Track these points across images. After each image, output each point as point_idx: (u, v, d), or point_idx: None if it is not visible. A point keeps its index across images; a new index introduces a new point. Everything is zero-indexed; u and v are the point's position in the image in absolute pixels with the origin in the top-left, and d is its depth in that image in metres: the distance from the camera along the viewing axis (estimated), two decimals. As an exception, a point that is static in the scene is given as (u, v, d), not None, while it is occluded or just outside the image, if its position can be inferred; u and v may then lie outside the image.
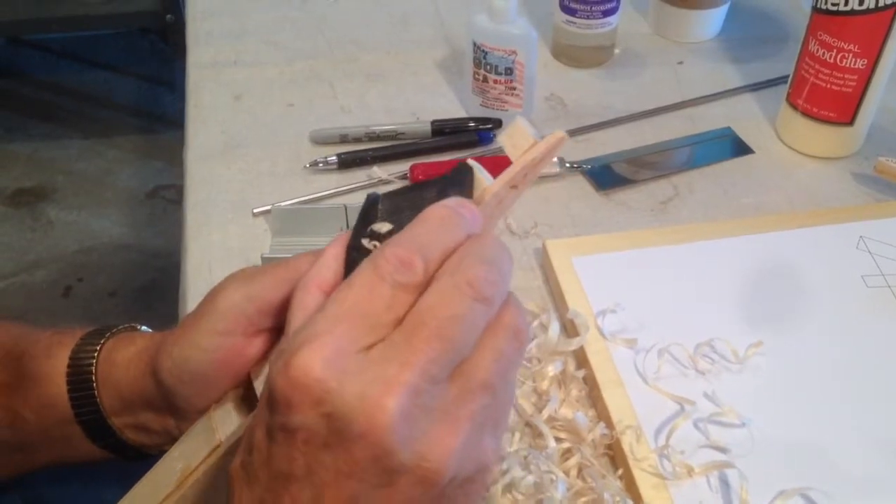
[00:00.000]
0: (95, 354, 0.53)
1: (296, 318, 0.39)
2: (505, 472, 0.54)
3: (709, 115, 0.86)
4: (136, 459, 0.55)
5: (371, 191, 0.44)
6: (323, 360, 0.34)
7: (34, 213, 2.15)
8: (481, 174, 0.43)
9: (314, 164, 0.79)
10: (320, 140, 0.82)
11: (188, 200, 0.77)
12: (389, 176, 0.77)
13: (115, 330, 0.55)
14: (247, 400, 0.48)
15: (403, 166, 0.79)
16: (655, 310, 0.65)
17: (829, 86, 0.77)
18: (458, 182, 0.42)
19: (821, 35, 0.75)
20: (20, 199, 2.18)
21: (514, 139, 0.44)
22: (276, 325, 0.47)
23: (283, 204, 0.74)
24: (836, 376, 0.61)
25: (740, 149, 0.83)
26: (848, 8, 0.72)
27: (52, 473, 0.59)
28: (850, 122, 0.79)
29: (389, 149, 0.81)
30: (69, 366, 0.52)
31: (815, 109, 0.79)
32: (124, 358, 0.52)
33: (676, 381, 0.61)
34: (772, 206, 0.77)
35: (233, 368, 0.47)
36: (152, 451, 0.54)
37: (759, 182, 0.79)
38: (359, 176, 0.79)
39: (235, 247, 0.72)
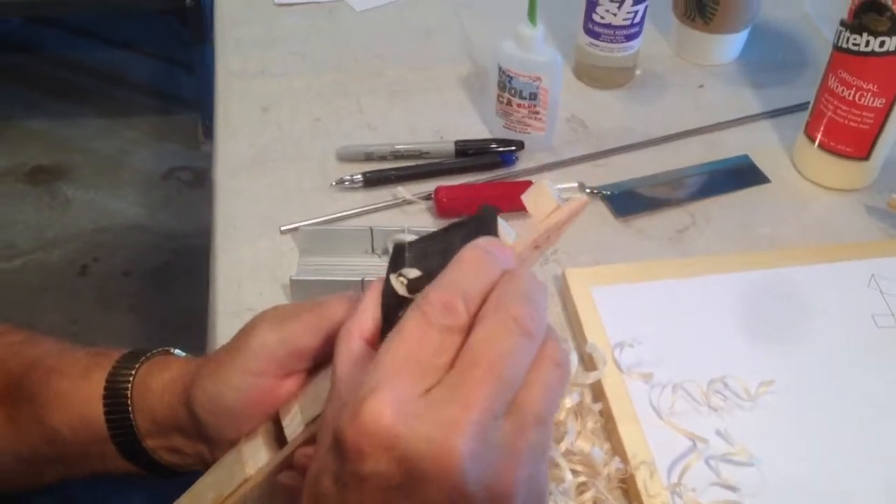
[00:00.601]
0: (131, 378, 0.55)
1: (342, 366, 0.41)
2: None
3: (727, 142, 0.88)
4: (168, 476, 0.58)
5: (398, 233, 0.46)
6: (389, 408, 0.35)
7: (52, 191, 2.17)
8: (503, 228, 0.45)
9: (340, 182, 0.81)
10: (346, 157, 0.84)
11: (218, 212, 0.79)
12: (413, 196, 0.79)
13: (149, 354, 0.57)
14: (275, 435, 0.50)
15: (427, 186, 0.81)
16: (671, 343, 0.67)
17: (846, 122, 0.78)
18: (483, 225, 0.44)
19: (841, 73, 0.77)
20: (38, 177, 2.20)
21: (538, 200, 0.45)
22: (306, 368, 0.50)
23: (309, 223, 0.77)
24: (846, 417, 0.63)
25: (757, 178, 0.84)
26: (869, 49, 0.74)
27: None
28: (866, 157, 0.80)
29: (414, 168, 0.82)
30: (105, 388, 0.55)
31: (832, 143, 0.80)
32: (159, 384, 0.54)
33: (690, 417, 0.63)
34: (786, 238, 0.78)
35: (263, 406, 0.49)
36: (185, 471, 0.57)
37: (774, 213, 0.81)
38: (384, 195, 0.81)
39: (264, 263, 0.74)
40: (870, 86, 0.75)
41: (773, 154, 0.87)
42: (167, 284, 1.97)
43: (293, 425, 0.49)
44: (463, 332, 0.38)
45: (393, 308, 0.43)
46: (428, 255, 0.45)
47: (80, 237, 2.07)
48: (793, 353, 0.67)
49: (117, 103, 2.41)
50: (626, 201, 0.81)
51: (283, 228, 0.77)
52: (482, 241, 0.41)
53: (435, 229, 0.47)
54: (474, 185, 0.81)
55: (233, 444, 0.51)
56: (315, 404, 0.48)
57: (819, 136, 0.81)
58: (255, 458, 0.49)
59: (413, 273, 0.44)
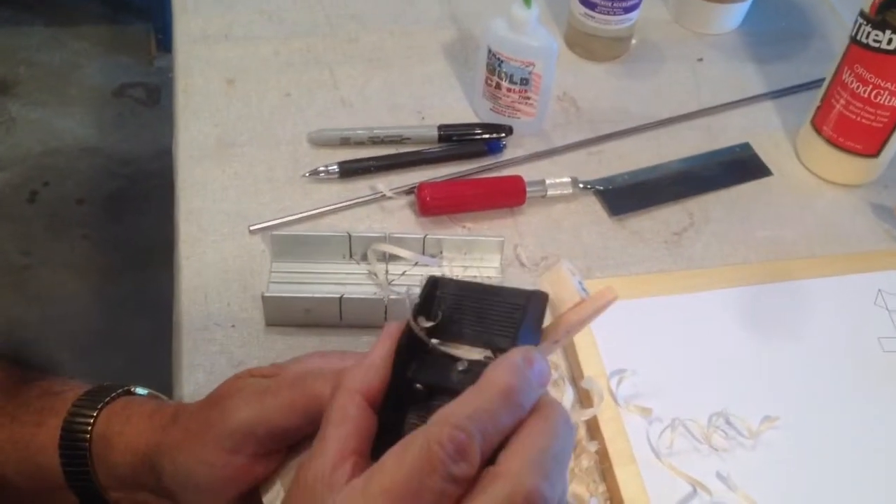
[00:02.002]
0: (89, 429, 0.50)
1: (333, 425, 0.38)
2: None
3: (727, 126, 0.83)
4: None
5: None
6: None
7: (-5, 107, 2.05)
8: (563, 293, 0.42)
9: (315, 172, 0.74)
10: (320, 142, 0.77)
11: (180, 209, 0.72)
12: (393, 192, 0.73)
13: (109, 398, 0.51)
14: None
15: (408, 177, 0.75)
16: (669, 369, 0.64)
17: (859, 119, 0.73)
18: (532, 306, 0.40)
19: (857, 68, 0.71)
20: (-21, 92, 2.08)
21: (558, 287, 0.42)
22: (287, 447, 0.46)
23: (281, 221, 0.71)
24: (852, 453, 0.61)
25: (758, 170, 0.79)
26: (891, 48, 0.68)
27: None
28: (876, 155, 0.76)
29: (394, 157, 0.76)
30: (62, 437, 0.50)
31: (840, 139, 0.76)
32: (121, 442, 0.49)
33: (689, 457, 0.60)
34: (788, 241, 0.74)
35: (238, 483, 0.46)
36: None
37: (776, 212, 0.76)
38: (361, 187, 0.75)
39: (232, 269, 0.69)
40: (888, 84, 0.70)
41: (776, 140, 0.82)
42: (122, 214, 1.89)
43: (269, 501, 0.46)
44: (467, 484, 0.34)
45: (405, 358, 0.39)
46: (462, 310, 0.41)
47: (28, 160, 1.96)
48: (795, 385, 0.64)
49: (63, 10, 2.25)
50: (621, 198, 0.76)
51: (252, 228, 0.71)
52: (519, 357, 0.37)
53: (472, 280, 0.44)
54: (459, 182, 0.75)
55: None
56: (288, 478, 0.45)
57: (827, 131, 0.76)
58: None
59: (426, 323, 0.40)
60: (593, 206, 0.75)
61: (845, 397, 0.64)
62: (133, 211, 1.90)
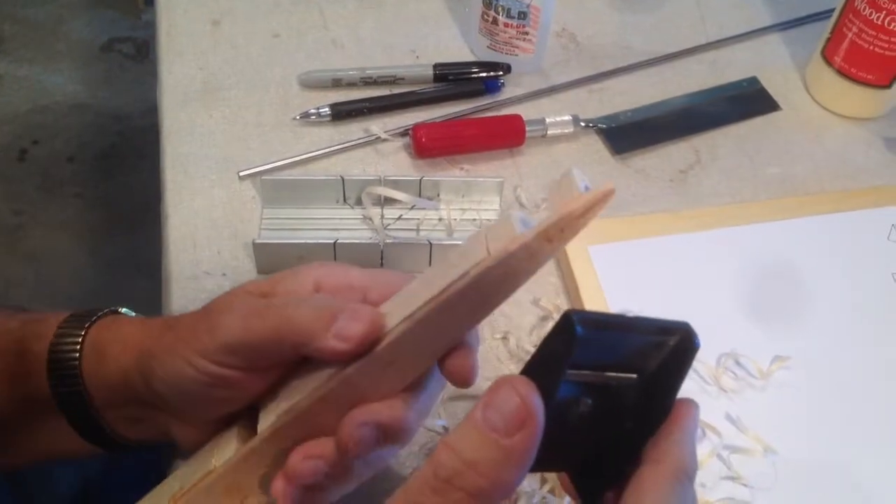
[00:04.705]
0: (78, 346, 0.47)
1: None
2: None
3: (734, 60, 0.80)
4: (127, 451, 0.51)
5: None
6: None
7: (-21, 65, 2.01)
8: (515, 223, 0.37)
9: (305, 115, 0.71)
10: (311, 84, 0.74)
11: (166, 155, 0.70)
12: (388, 134, 0.71)
13: (95, 317, 0.49)
14: (251, 428, 0.45)
15: (403, 118, 0.72)
16: (675, 311, 0.61)
17: (872, 48, 0.70)
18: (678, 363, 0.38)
19: (871, -6, 0.68)
20: (-37, 50, 2.03)
21: (563, 192, 0.38)
22: (275, 367, 0.44)
23: (271, 166, 0.68)
24: (865, 391, 0.59)
25: (766, 105, 0.76)
26: (907, -30, 0.65)
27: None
28: (889, 86, 0.73)
29: (387, 98, 0.73)
30: (50, 359, 0.47)
31: (852, 70, 0.73)
32: (114, 348, 0.47)
33: (698, 399, 0.56)
34: (798, 178, 0.72)
35: (227, 394, 0.44)
36: (147, 444, 0.51)
37: (785, 147, 0.74)
38: (354, 130, 0.72)
39: (222, 216, 0.66)
40: (903, 10, 0.67)
41: (784, 74, 0.79)
42: (113, 171, 1.86)
43: (266, 418, 0.44)
44: None
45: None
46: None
47: (16, 118, 1.92)
48: (806, 323, 0.62)
49: (47, -37, 2.20)
50: (625, 136, 0.73)
51: (241, 174, 0.68)
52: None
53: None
54: (455, 123, 0.72)
55: (198, 419, 0.46)
56: (287, 398, 0.43)
57: (838, 61, 0.73)
58: (225, 451, 0.45)
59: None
60: (595, 144, 0.73)
61: (858, 335, 0.61)
62: (125, 168, 1.87)
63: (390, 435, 0.41)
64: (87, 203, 1.81)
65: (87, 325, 0.48)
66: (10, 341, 0.49)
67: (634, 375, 0.38)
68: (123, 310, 0.52)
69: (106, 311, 0.50)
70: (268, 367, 0.44)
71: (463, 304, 0.38)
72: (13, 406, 0.49)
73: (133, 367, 0.46)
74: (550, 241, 0.37)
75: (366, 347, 0.40)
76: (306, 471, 0.42)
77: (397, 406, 0.41)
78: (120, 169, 1.87)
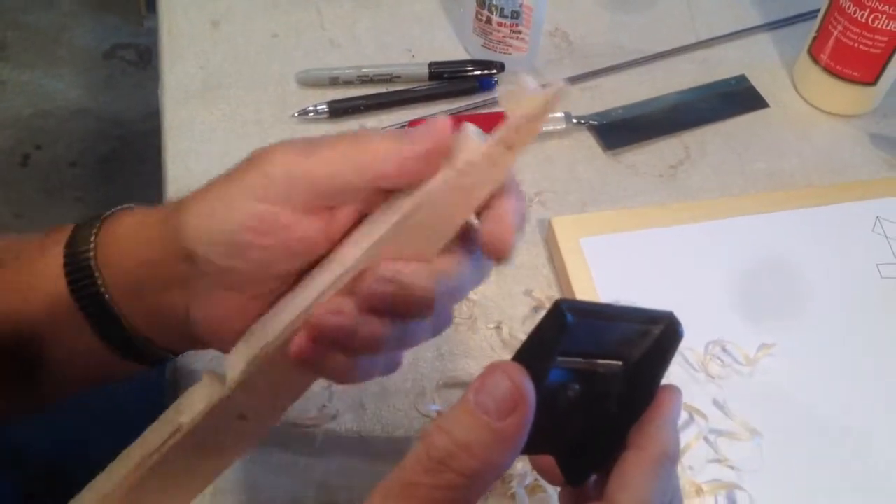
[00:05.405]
0: (93, 236, 0.44)
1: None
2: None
3: (724, 59, 0.81)
4: (153, 364, 0.48)
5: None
6: None
7: (-17, 71, 2.03)
8: (476, 138, 0.38)
9: (303, 112, 0.73)
10: (308, 82, 0.76)
11: (167, 150, 0.71)
12: (384, 130, 0.72)
13: (112, 211, 0.46)
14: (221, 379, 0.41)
15: (399, 115, 0.74)
16: (665, 300, 0.62)
17: (856, 45, 0.72)
18: (665, 343, 0.38)
19: (855, -8, 0.70)
20: (-33, 57, 2.05)
21: (516, 97, 0.38)
22: (340, 207, 0.40)
23: (271, 163, 0.69)
24: (849, 379, 0.60)
25: (755, 102, 0.78)
26: (890, -32, 0.66)
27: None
28: (874, 83, 0.74)
29: (384, 96, 0.75)
30: (66, 255, 0.44)
31: (838, 67, 0.74)
32: (129, 229, 0.44)
33: (686, 386, 0.59)
34: (786, 173, 0.73)
35: (272, 241, 0.38)
36: (165, 355, 0.47)
37: (773, 143, 0.75)
38: (351, 127, 0.73)
39: (221, 210, 0.67)
40: (886, 7, 0.68)
41: (773, 73, 0.81)
42: (114, 175, 1.88)
43: (237, 361, 0.40)
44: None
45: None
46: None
47: (19, 123, 1.94)
48: (793, 310, 0.63)
49: (50, -30, 2.22)
50: (616, 132, 0.74)
51: (241, 169, 0.70)
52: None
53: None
54: (452, 118, 0.73)
55: (226, 292, 0.40)
56: (259, 337, 0.39)
57: (824, 59, 0.75)
58: (195, 404, 0.40)
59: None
60: (587, 140, 0.74)
61: (843, 324, 0.63)
62: (126, 173, 1.89)
63: (412, 302, 0.39)
64: (89, 207, 1.83)
65: (102, 216, 0.45)
66: (33, 249, 0.46)
67: (621, 363, 0.39)
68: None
69: (122, 207, 0.47)
70: (321, 207, 0.39)
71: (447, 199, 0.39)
72: (43, 320, 0.45)
73: (156, 235, 0.42)
74: (511, 148, 0.38)
75: (445, 149, 0.38)
76: (331, 323, 0.37)
77: (422, 272, 0.39)
78: (121, 173, 1.89)
